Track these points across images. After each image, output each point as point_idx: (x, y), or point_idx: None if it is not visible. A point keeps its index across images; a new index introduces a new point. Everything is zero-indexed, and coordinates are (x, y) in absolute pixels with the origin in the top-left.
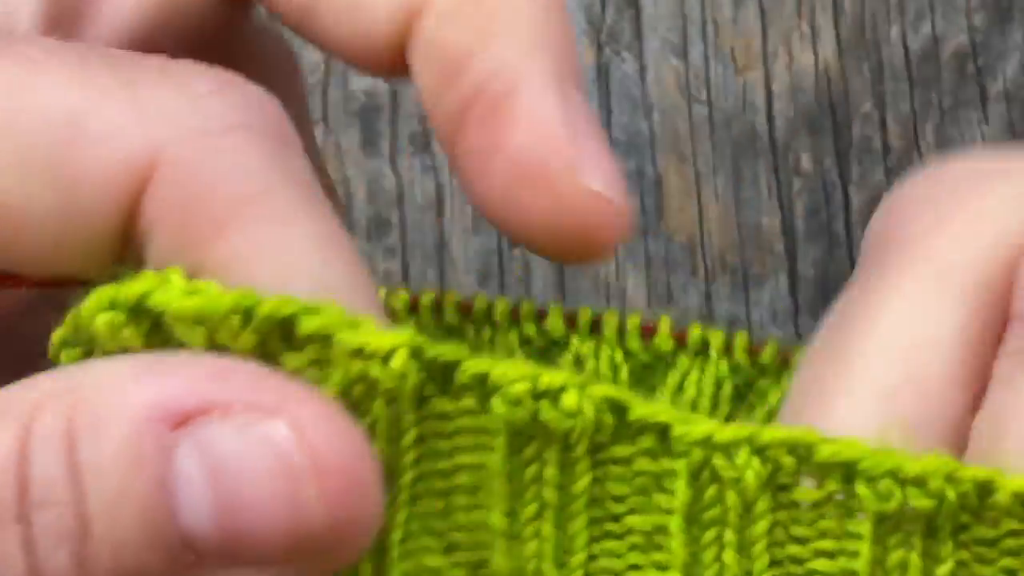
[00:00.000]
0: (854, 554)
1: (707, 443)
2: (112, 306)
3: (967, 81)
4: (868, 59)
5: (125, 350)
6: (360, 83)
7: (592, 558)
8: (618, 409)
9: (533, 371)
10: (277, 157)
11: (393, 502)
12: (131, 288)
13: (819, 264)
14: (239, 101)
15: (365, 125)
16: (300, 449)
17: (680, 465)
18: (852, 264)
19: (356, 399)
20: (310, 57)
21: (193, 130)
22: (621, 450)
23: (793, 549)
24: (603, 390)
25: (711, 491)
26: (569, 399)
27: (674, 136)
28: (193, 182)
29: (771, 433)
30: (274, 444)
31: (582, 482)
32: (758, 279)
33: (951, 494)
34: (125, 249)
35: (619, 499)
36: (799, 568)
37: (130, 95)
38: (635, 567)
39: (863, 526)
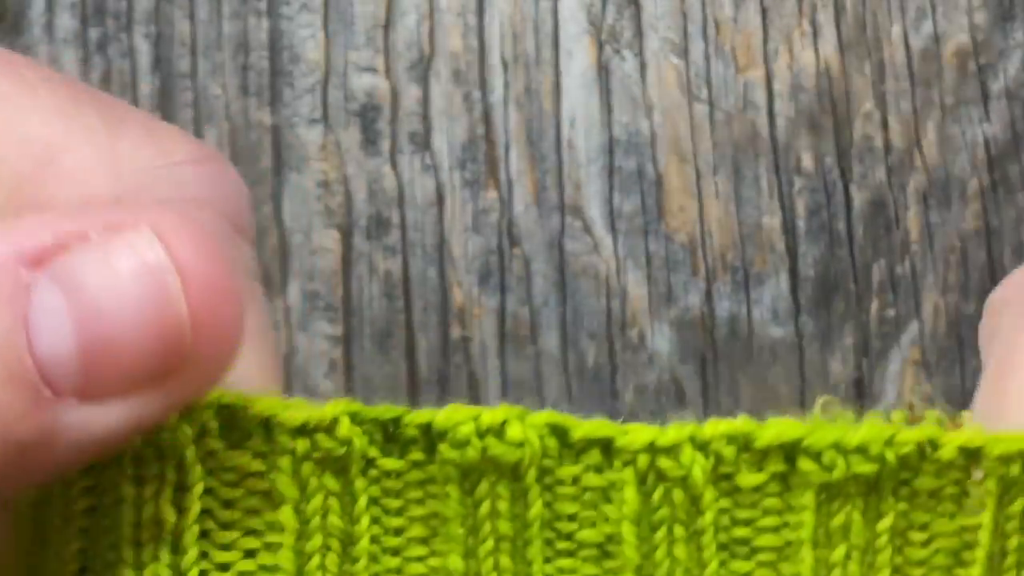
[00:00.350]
0: (798, 525)
1: (651, 448)
2: None
3: (969, 79)
4: (869, 58)
5: None
6: (360, 83)
7: None
8: (560, 432)
9: (473, 411)
10: (227, 241)
11: (353, 571)
12: None
13: (820, 263)
14: (211, 178)
15: (365, 125)
16: (163, 250)
17: (627, 474)
18: (853, 263)
19: (305, 479)
20: (310, 57)
21: (158, 192)
22: (568, 470)
23: (739, 532)
24: (543, 417)
25: (659, 492)
26: (513, 431)
27: (674, 135)
28: None
29: (711, 428)
30: (135, 248)
31: (535, 508)
32: (759, 278)
33: (891, 456)
34: None
35: (571, 518)
36: (745, 548)
37: (110, 142)
38: None
39: (806, 497)
